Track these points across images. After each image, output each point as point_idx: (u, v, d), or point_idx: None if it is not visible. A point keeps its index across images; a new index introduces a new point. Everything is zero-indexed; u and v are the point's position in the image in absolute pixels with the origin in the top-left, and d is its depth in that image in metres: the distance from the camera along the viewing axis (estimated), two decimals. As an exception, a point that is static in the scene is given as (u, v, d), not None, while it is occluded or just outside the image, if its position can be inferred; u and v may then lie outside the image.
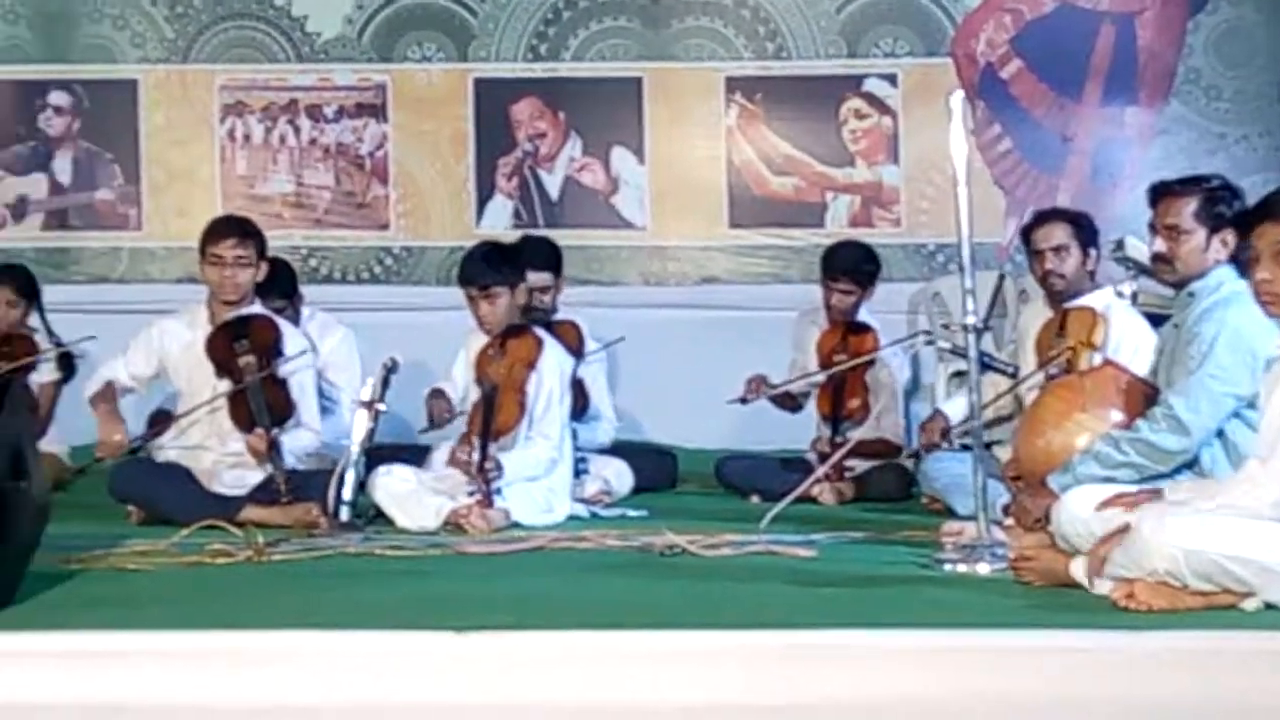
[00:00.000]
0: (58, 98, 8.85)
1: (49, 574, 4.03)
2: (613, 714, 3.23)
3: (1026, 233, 5.66)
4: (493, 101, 8.71)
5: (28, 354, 6.73)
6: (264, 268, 5.74)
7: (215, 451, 5.59)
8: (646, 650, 3.35)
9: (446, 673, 3.30)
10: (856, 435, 5.79)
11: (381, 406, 5.39)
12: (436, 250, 8.67)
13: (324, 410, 5.94)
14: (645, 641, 3.38)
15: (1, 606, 3.61)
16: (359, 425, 5.36)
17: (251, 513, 5.26)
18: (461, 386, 5.78)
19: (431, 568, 4.46)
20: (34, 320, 7.02)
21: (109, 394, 5.67)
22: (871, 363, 6.16)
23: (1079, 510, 3.93)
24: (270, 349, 5.60)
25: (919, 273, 8.27)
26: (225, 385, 5.55)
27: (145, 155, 8.83)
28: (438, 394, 5.88)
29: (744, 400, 6.38)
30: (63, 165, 8.88)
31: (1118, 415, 4.33)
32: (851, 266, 6.40)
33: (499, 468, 5.24)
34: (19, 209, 8.87)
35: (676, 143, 8.67)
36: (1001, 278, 6.07)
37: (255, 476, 5.49)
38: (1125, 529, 3.65)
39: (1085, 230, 5.54)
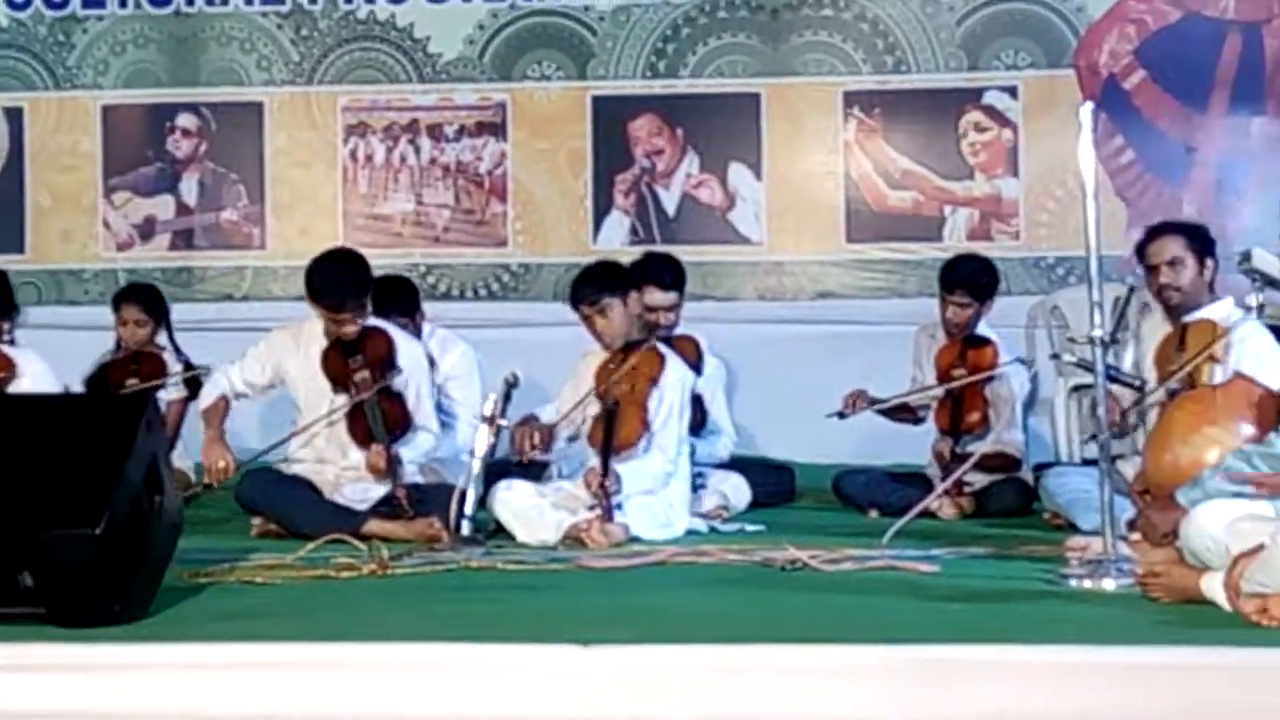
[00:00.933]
0: (185, 120, 9.02)
1: (179, 587, 4.11)
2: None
3: (1141, 248, 5.57)
4: (611, 118, 8.75)
5: (157, 372, 6.85)
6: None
7: (336, 465, 5.66)
8: (773, 664, 3.34)
9: (572, 686, 3.32)
10: (978, 450, 5.74)
11: (504, 422, 5.44)
12: (554, 267, 8.72)
13: (443, 425, 6.00)
14: (771, 656, 3.37)
15: (137, 619, 3.67)
16: (481, 440, 5.41)
17: (374, 526, 5.32)
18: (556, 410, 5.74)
19: (553, 582, 4.48)
20: (162, 339, 7.15)
21: (217, 412, 5.75)
22: (992, 377, 6.10)
23: (1208, 525, 3.87)
24: (384, 362, 5.67)
25: (1038, 286, 8.19)
26: (342, 400, 5.62)
27: (269, 176, 8.97)
28: (529, 420, 5.75)
29: (842, 415, 6.35)
30: (189, 186, 9.04)
31: (1248, 429, 4.26)
32: (969, 279, 6.35)
33: (618, 481, 5.25)
34: (146, 229, 9.05)
35: (794, 158, 8.66)
36: (1131, 290, 5.98)
37: (377, 490, 5.55)
38: (1260, 547, 3.60)
39: (1201, 241, 5.41)
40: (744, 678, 3.32)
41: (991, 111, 8.43)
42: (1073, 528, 5.20)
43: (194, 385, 6.97)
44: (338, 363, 5.61)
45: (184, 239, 9.04)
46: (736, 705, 3.29)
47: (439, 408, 6.03)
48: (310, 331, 5.72)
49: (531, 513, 5.26)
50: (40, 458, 3.64)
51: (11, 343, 5.98)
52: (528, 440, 5.51)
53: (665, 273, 6.31)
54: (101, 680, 3.40)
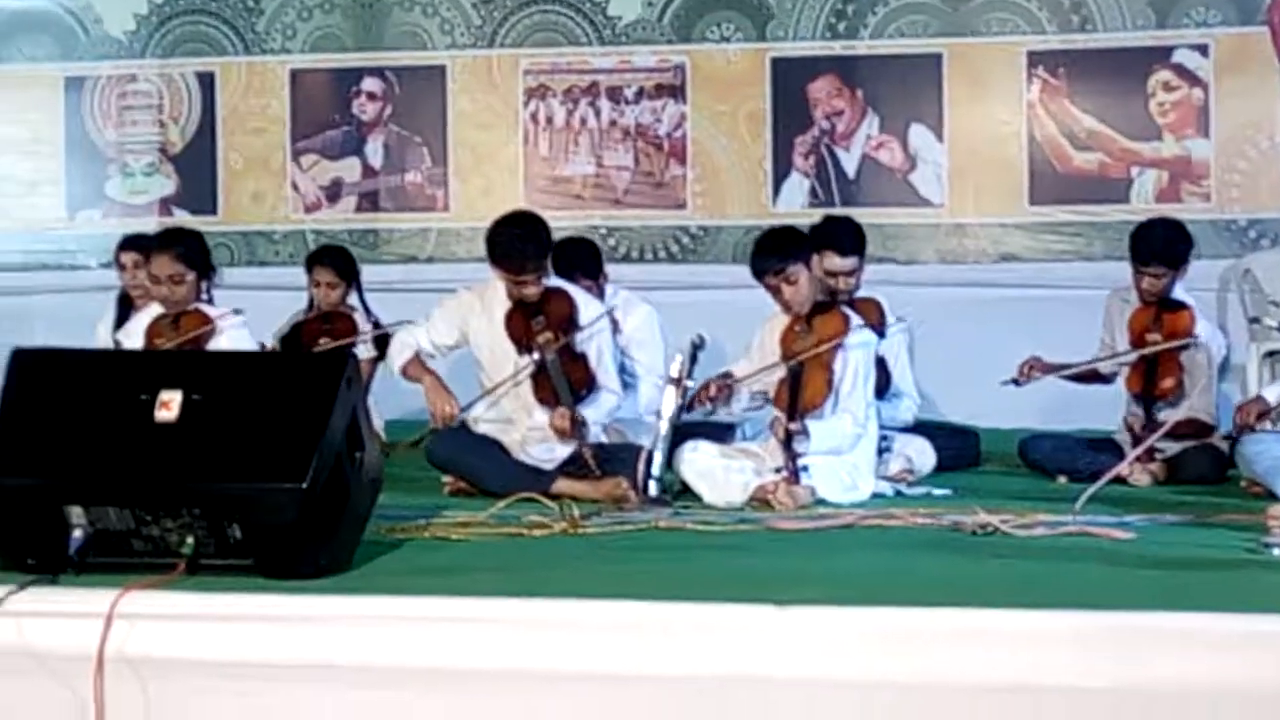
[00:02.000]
0: (370, 84, 9.18)
1: (378, 542, 4.20)
2: (937, 691, 3.24)
3: None
4: (790, 80, 8.73)
5: (348, 332, 7.01)
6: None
7: (522, 425, 5.73)
8: (965, 629, 3.33)
9: (768, 646, 3.33)
10: (1172, 416, 5.64)
11: (690, 383, 5.46)
12: (733, 229, 8.73)
13: (625, 386, 6.04)
14: (963, 620, 3.36)
15: (340, 571, 3.76)
16: (668, 401, 5.44)
17: (562, 485, 5.39)
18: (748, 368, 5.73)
19: (743, 543, 4.50)
20: (353, 300, 7.30)
21: (419, 365, 5.86)
22: (1187, 345, 5.98)
23: None
24: (566, 323, 5.72)
25: (1229, 249, 8.02)
26: (526, 361, 5.69)
27: (452, 139, 9.09)
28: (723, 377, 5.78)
29: (1016, 382, 6.27)
30: (374, 149, 9.20)
31: None
32: (1163, 251, 6.16)
33: (805, 434, 5.24)
34: (333, 192, 9.23)
35: (976, 119, 8.57)
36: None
37: (563, 449, 5.61)
38: None
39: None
40: (936, 641, 3.31)
41: (1181, 70, 8.25)
42: (1271, 496, 5.10)
43: (383, 345, 7.13)
44: (521, 324, 5.68)
45: (370, 201, 9.20)
46: (929, 669, 3.28)
47: (621, 368, 6.07)
48: (494, 293, 5.78)
49: (718, 474, 5.28)
50: (246, 413, 3.74)
51: (210, 302, 6.13)
52: (708, 390, 5.50)
53: (845, 238, 6.26)
54: (307, 631, 3.49)
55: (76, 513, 3.61)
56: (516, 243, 5.66)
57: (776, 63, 8.76)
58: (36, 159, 9.49)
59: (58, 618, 3.46)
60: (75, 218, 9.47)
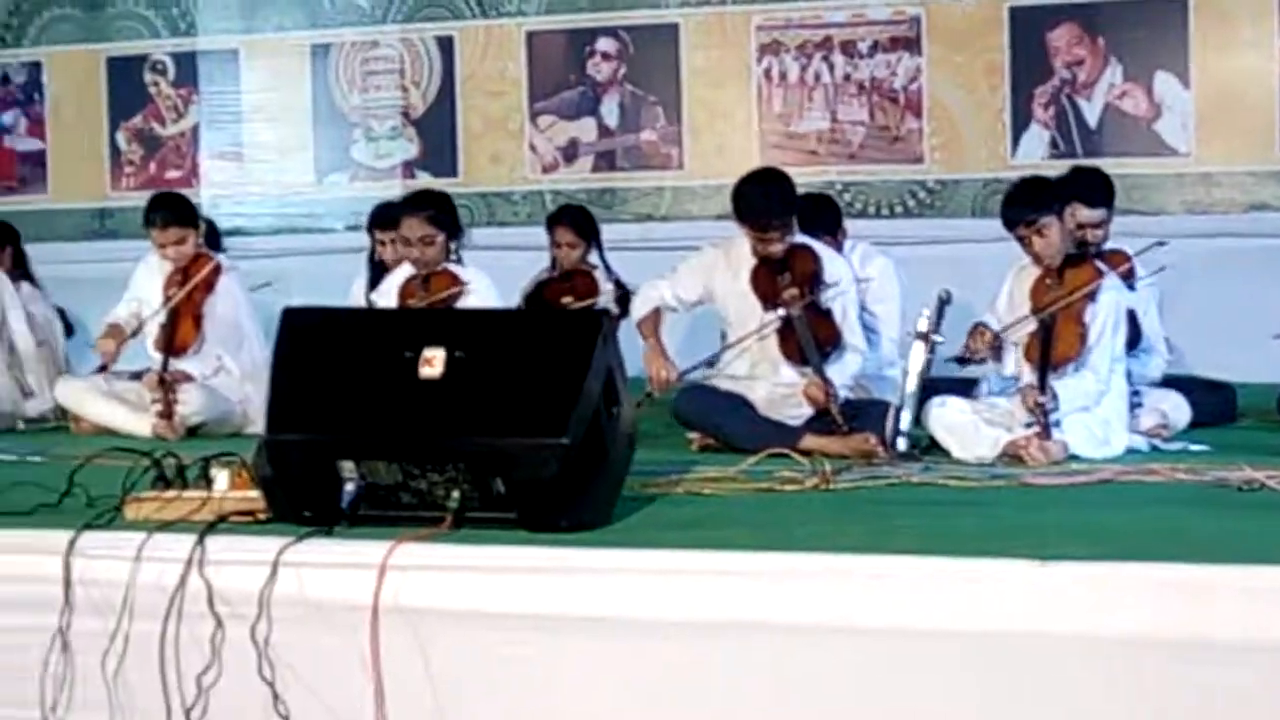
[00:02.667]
0: (605, 44, 9.25)
1: (633, 497, 4.26)
2: (1221, 650, 3.17)
3: None
4: (1029, 29, 8.57)
5: (590, 290, 7.11)
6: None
7: (768, 381, 5.74)
8: (1235, 584, 3.25)
9: (1030, 601, 3.30)
10: None
11: (938, 338, 5.42)
12: (971, 183, 8.62)
13: (866, 340, 6.01)
14: (1233, 576, 3.28)
15: (601, 525, 3.82)
16: (916, 357, 5.41)
17: (810, 441, 5.39)
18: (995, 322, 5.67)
19: (998, 498, 4.46)
20: (593, 258, 7.39)
21: (653, 323, 5.91)
22: None
23: None
24: (812, 279, 5.71)
25: None
26: (771, 316, 5.70)
27: (686, 97, 9.13)
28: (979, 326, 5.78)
29: (1293, 336, 6.08)
30: (610, 109, 9.28)
31: None
32: None
33: (1055, 398, 5.18)
34: (570, 152, 9.33)
35: (1224, 64, 8.33)
36: None
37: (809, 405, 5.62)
38: None
39: None
40: (1204, 597, 3.24)
41: None
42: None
43: (624, 304, 7.21)
44: (767, 281, 5.69)
45: (606, 160, 9.28)
46: (1198, 624, 3.22)
47: (862, 323, 6.05)
48: (739, 250, 5.80)
49: (967, 429, 5.23)
50: (507, 370, 3.81)
51: (459, 263, 6.26)
52: (979, 340, 5.43)
53: (1094, 189, 6.15)
54: (570, 583, 3.56)
55: (348, 467, 3.73)
56: (762, 199, 5.67)
57: (1015, 12, 8.61)
58: (286, 125, 9.78)
59: (334, 568, 3.58)
60: (323, 182, 9.74)
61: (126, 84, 9.97)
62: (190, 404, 6.36)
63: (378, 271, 7.55)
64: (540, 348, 3.87)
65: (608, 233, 7.97)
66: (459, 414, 3.75)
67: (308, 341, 3.91)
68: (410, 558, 3.55)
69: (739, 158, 8.55)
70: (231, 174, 9.83)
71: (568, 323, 4.36)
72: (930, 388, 5.52)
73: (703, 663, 3.48)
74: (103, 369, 6.76)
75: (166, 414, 6.30)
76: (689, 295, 5.94)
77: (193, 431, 6.36)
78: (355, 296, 7.57)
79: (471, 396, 3.76)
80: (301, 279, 8.89)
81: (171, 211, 6.66)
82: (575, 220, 7.48)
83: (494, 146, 9.44)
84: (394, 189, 9.17)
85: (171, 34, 9.88)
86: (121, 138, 10.02)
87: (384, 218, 7.34)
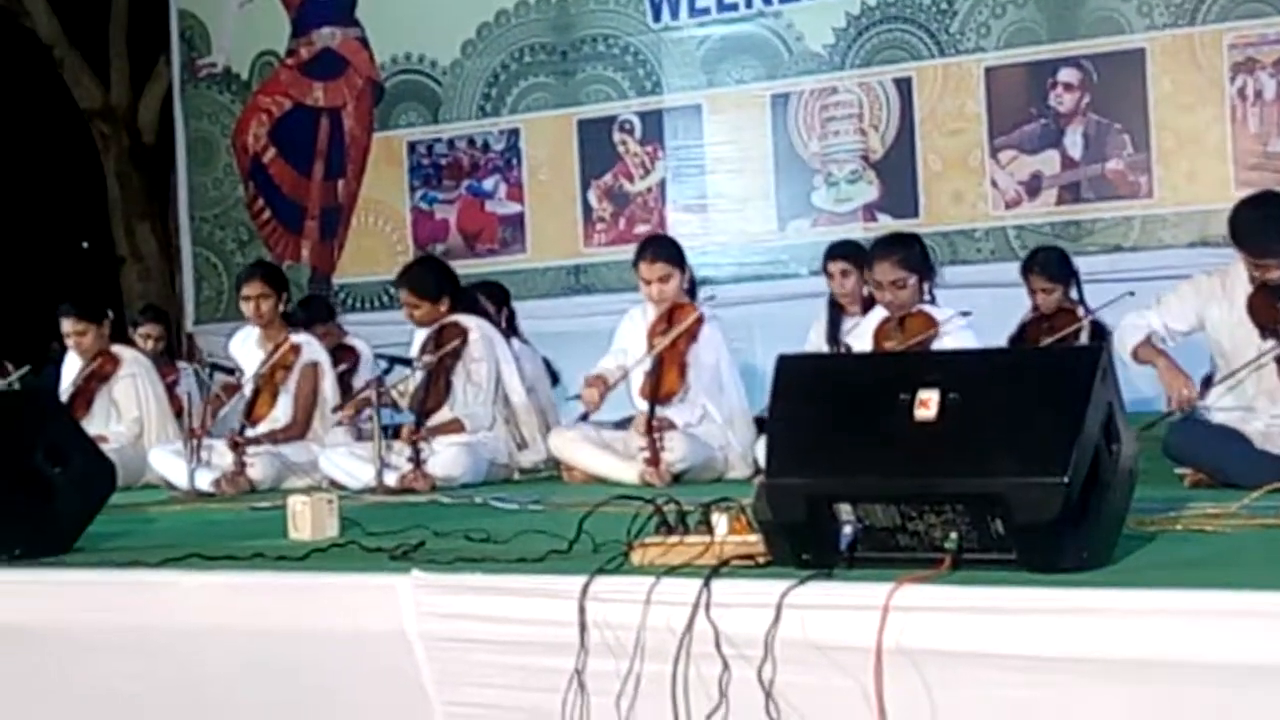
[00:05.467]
0: (1067, 74, 9.10)
1: (1132, 535, 4.14)
2: None
3: None
4: None
5: (1071, 327, 6.95)
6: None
7: (1265, 414, 5.50)
8: None
9: None
10: None
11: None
12: None
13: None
14: None
15: (1102, 565, 3.74)
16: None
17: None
18: None
19: None
20: (1073, 294, 7.21)
21: (1153, 345, 5.74)
22: None
23: None
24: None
25: None
26: (1270, 344, 5.46)
27: (1154, 122, 8.87)
28: None
29: None
30: (1073, 139, 9.11)
31: None
32: None
33: None
34: (1033, 185, 9.21)
35: None
36: None
37: (1308, 438, 5.36)
38: None
39: None
40: None
41: None
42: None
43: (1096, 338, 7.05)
44: (1264, 307, 5.46)
45: (1070, 192, 9.11)
46: None
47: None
48: (1235, 277, 5.59)
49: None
50: (1002, 410, 3.77)
51: (933, 302, 6.26)
52: None
53: None
54: (1074, 624, 3.47)
55: (846, 510, 3.76)
56: (1260, 223, 5.45)
57: None
58: (747, 175, 9.99)
59: (836, 610, 3.61)
60: (785, 228, 9.88)
61: (596, 144, 10.38)
62: (675, 451, 6.56)
63: (835, 314, 7.63)
64: (1036, 386, 3.82)
65: (1077, 265, 7.81)
66: (955, 455, 3.73)
67: (802, 387, 3.97)
68: (911, 599, 3.55)
69: (1212, 182, 8.26)
70: (696, 225, 10.10)
71: (1064, 359, 4.28)
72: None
73: (1214, 707, 3.35)
74: (584, 418, 7.04)
75: (654, 461, 6.50)
76: (1179, 325, 5.76)
77: (677, 478, 6.55)
78: (812, 341, 7.66)
79: (967, 437, 3.73)
80: (766, 325, 9.07)
81: (662, 248, 6.94)
82: (1047, 265, 7.37)
83: (954, 184, 9.39)
84: (855, 232, 9.24)
85: (638, 94, 10.24)
86: (593, 196, 10.43)
87: (839, 250, 7.46)
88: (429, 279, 7.55)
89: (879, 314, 6.26)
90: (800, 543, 3.81)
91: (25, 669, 4.54)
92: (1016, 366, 4.10)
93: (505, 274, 9.69)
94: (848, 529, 3.76)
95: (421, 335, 7.50)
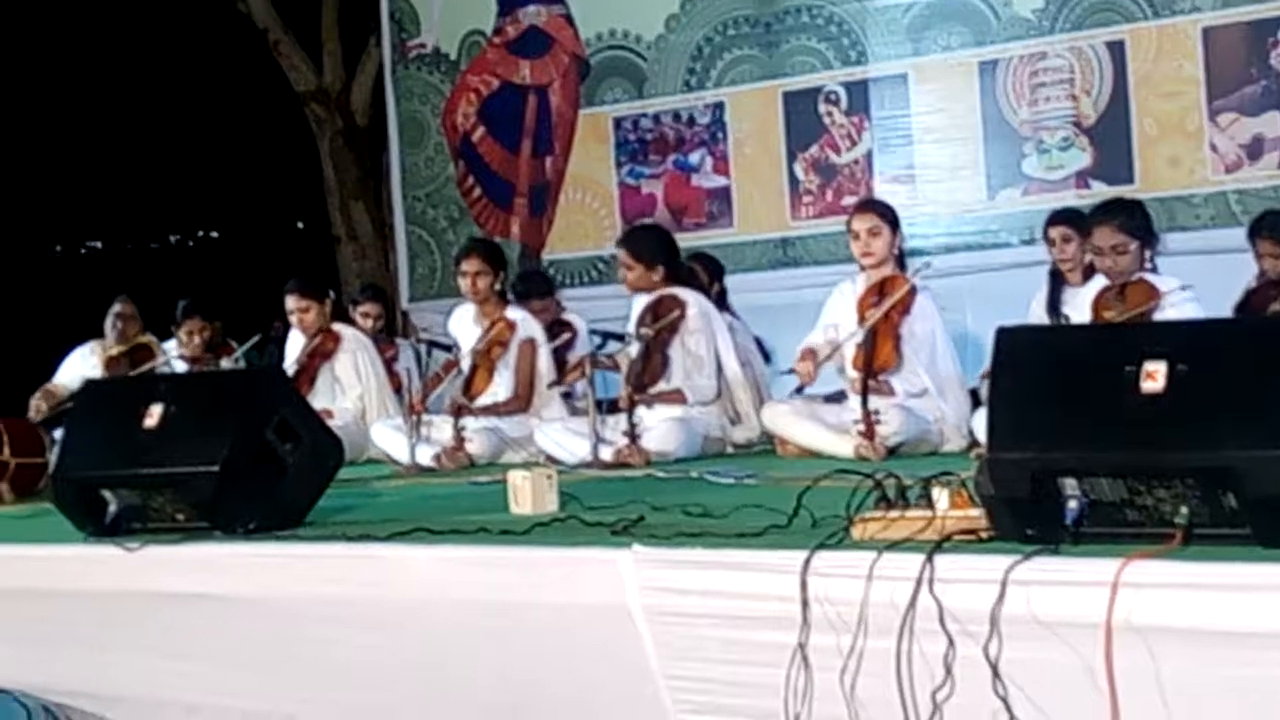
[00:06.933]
0: (1288, 34, 8.83)
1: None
2: None
3: None
4: None
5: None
6: None
7: None
8: None
9: None
10: None
11: None
12: None
13: None
14: None
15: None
16: None
17: None
18: None
19: None
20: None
21: None
22: None
23: None
24: None
25: None
26: None
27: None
28: None
29: None
30: (1295, 101, 8.84)
31: None
32: None
33: None
34: (1254, 149, 8.94)
35: None
36: None
37: None
38: None
39: None
40: None
41: None
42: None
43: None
44: None
45: (1293, 156, 8.85)
46: None
47: None
48: None
49: None
50: (1232, 381, 3.68)
51: (1153, 270, 6.13)
52: None
53: None
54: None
55: (1071, 484, 3.71)
56: None
57: None
58: (955, 144, 9.87)
59: (1062, 586, 3.57)
60: (995, 198, 9.75)
61: (802, 116, 10.35)
62: (890, 424, 6.53)
63: (1056, 283, 7.52)
64: (1269, 356, 3.73)
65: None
66: (1184, 428, 3.65)
67: (1023, 359, 3.93)
68: (1141, 575, 3.49)
69: None
70: (904, 196, 10.00)
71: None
72: None
73: None
74: (799, 390, 7.04)
75: (868, 434, 6.48)
76: None
77: (892, 451, 6.52)
78: (1034, 312, 7.55)
79: (1196, 409, 3.66)
80: (976, 296, 8.96)
81: (874, 203, 6.94)
82: (1276, 228, 7.16)
83: (1171, 149, 9.17)
84: (1067, 200, 9.07)
85: (843, 64, 10.17)
86: (799, 168, 10.40)
87: (1060, 217, 7.35)
88: (647, 244, 7.64)
89: (1098, 283, 6.16)
90: (1024, 517, 3.77)
91: (260, 639, 4.69)
92: (1248, 336, 4.01)
93: (712, 248, 9.70)
94: (1073, 503, 3.71)
95: (638, 308, 7.56)
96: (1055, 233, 7.67)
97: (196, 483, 4.85)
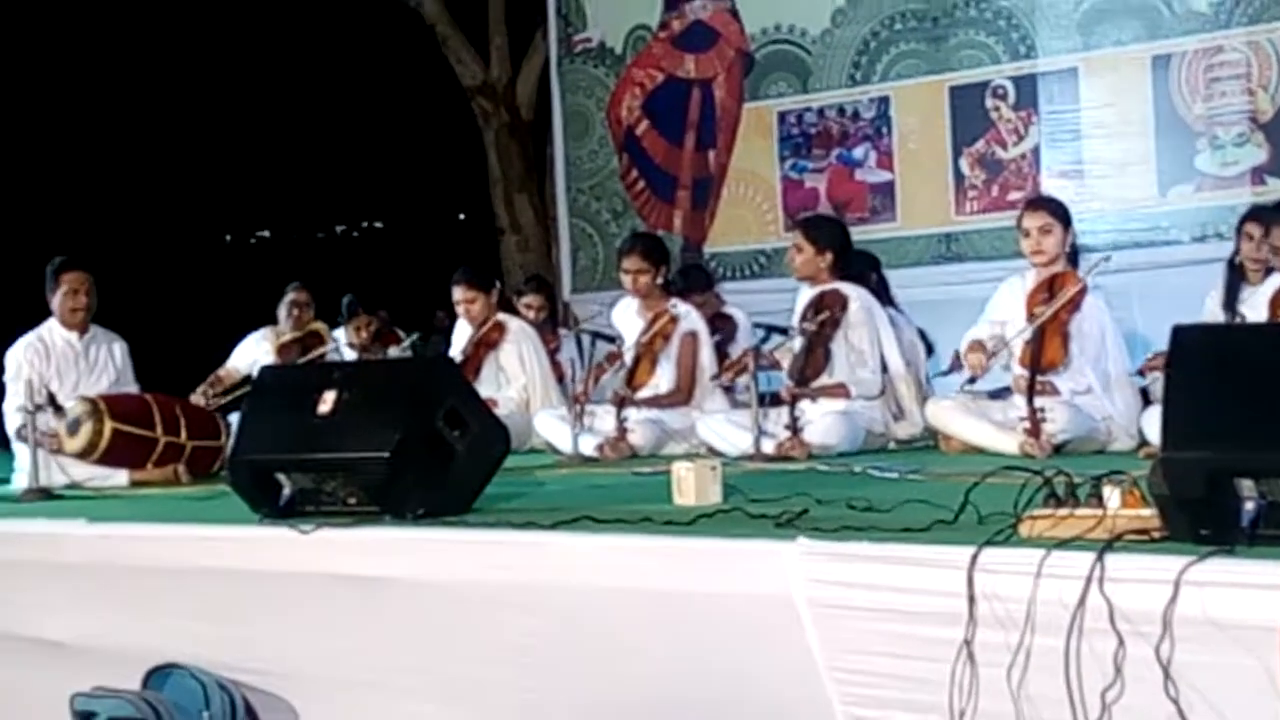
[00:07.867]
0: None
1: None
2: None
3: None
4: None
5: None
6: None
7: None
8: None
9: None
10: None
11: None
12: None
13: None
14: None
15: None
16: None
17: None
18: None
19: None
20: None
21: None
22: None
23: None
24: None
25: None
26: None
27: None
28: None
29: None
30: None
31: None
32: None
33: None
34: None
35: None
36: None
37: None
38: None
39: None
40: None
41: None
42: None
43: None
44: None
45: None
46: None
47: None
48: None
49: None
50: None
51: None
52: None
53: None
54: None
55: (1248, 485, 3.65)
56: None
57: None
58: (1126, 139, 9.72)
59: (1238, 588, 3.51)
60: (1167, 194, 9.59)
61: (968, 111, 10.26)
62: (1057, 421, 6.45)
63: (1235, 280, 7.37)
64: None
65: None
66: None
67: (1199, 359, 3.87)
68: (1320, 578, 3.43)
69: None
70: (1072, 192, 9.86)
71: None
72: None
73: None
74: (971, 381, 6.98)
75: (1034, 431, 6.41)
76: None
77: (1058, 449, 6.44)
78: (1209, 309, 7.42)
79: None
80: (1146, 294, 8.82)
81: (1045, 201, 6.88)
82: None
83: (1353, 147, 8.95)
84: (1242, 197, 8.90)
85: (1011, 59, 10.07)
86: (964, 163, 10.31)
87: (1255, 213, 7.20)
88: (823, 230, 7.64)
89: (1276, 281, 6.03)
90: (1198, 518, 3.72)
91: (428, 623, 4.77)
92: None
93: (875, 242, 9.66)
94: (1250, 505, 3.65)
95: (802, 302, 7.55)
96: (1252, 228, 7.48)
97: (368, 468, 4.95)
